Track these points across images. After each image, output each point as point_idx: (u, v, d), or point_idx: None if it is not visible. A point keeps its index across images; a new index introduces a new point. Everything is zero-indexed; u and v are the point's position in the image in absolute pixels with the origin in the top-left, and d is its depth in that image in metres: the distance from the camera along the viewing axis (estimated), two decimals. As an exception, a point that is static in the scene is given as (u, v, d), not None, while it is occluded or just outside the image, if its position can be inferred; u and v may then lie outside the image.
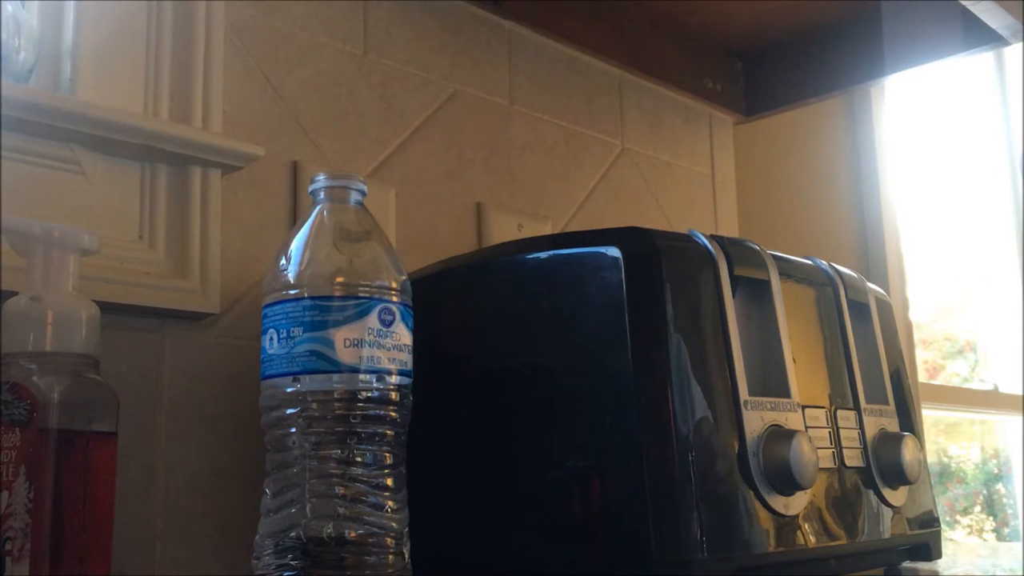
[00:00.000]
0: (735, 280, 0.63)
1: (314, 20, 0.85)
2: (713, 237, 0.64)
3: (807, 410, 0.64)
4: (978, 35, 1.06)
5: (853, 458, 0.67)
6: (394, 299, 0.56)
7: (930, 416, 1.94)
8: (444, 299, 0.71)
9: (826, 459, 0.64)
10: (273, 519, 0.55)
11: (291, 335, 0.55)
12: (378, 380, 0.55)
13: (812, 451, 0.60)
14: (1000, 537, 2.20)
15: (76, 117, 0.66)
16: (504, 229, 0.98)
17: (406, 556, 0.56)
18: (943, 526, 0.76)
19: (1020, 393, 2.10)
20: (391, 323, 0.56)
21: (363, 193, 0.60)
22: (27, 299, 0.51)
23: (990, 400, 2.13)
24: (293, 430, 0.54)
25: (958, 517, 2.16)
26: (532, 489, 0.63)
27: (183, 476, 0.71)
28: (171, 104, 0.73)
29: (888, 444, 0.69)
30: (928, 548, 0.73)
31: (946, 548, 0.75)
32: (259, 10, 0.81)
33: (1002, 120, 2.17)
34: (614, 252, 0.61)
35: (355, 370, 0.54)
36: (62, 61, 0.70)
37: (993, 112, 2.17)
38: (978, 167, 2.10)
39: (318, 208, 0.59)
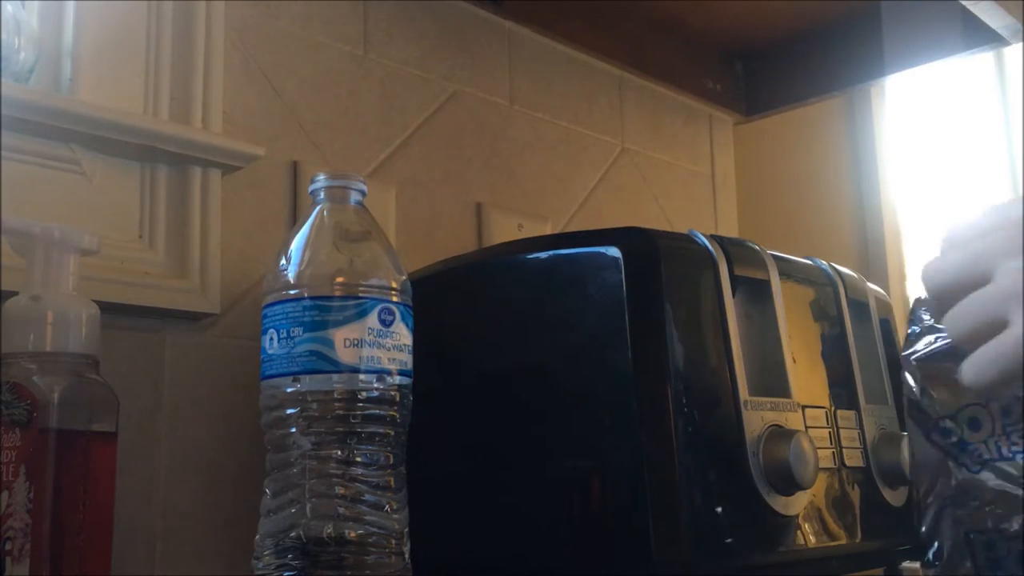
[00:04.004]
0: (735, 280, 0.63)
1: (314, 20, 0.85)
2: (713, 237, 0.64)
3: (807, 410, 0.64)
4: (978, 35, 1.06)
5: (853, 458, 0.67)
6: (394, 299, 0.56)
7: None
8: (444, 299, 0.71)
9: (826, 459, 0.64)
10: (273, 519, 0.55)
11: (291, 335, 0.55)
12: (378, 380, 0.55)
13: (812, 451, 0.60)
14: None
15: (76, 117, 0.66)
16: (504, 229, 0.98)
17: (406, 556, 0.56)
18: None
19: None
20: (391, 323, 0.56)
21: (363, 193, 0.60)
22: (27, 299, 0.51)
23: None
24: (293, 430, 0.54)
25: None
26: (532, 489, 0.63)
27: (183, 476, 0.71)
28: (171, 104, 0.73)
29: (888, 444, 0.69)
30: (928, 548, 0.73)
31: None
32: (259, 10, 0.81)
33: (1002, 120, 2.17)
34: (614, 252, 0.61)
35: (355, 370, 0.54)
36: (62, 61, 0.70)
37: (993, 112, 2.17)
38: (978, 167, 2.10)
39: (318, 208, 0.59)
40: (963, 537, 0.50)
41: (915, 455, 0.53)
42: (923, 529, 0.52)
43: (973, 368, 0.43)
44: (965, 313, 0.43)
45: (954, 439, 0.51)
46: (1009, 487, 0.50)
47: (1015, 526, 0.49)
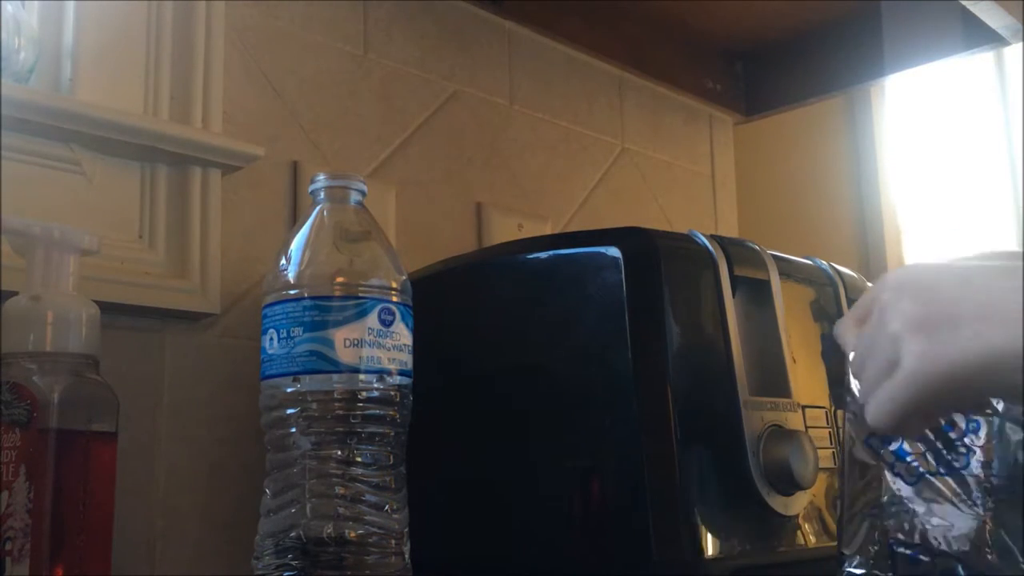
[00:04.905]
0: (735, 280, 0.63)
1: (314, 20, 0.85)
2: (713, 237, 0.64)
3: (807, 410, 0.64)
4: (978, 35, 1.06)
5: (853, 458, 0.67)
6: (394, 299, 0.56)
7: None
8: (444, 299, 0.71)
9: (826, 459, 0.64)
10: (273, 519, 0.55)
11: (291, 335, 0.55)
12: (378, 380, 0.55)
13: (812, 451, 0.60)
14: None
15: (76, 117, 0.66)
16: (504, 229, 0.98)
17: (406, 556, 0.56)
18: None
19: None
20: (391, 323, 0.56)
21: (363, 193, 0.60)
22: (27, 299, 0.51)
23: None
24: (293, 430, 0.54)
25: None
26: (532, 489, 0.63)
27: (183, 476, 0.71)
28: (171, 104, 0.73)
29: (888, 444, 0.69)
30: (928, 548, 0.73)
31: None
32: (259, 10, 0.81)
33: (1002, 120, 2.17)
34: (614, 252, 0.61)
35: (355, 370, 0.54)
36: (62, 61, 0.70)
37: (993, 112, 2.17)
38: (978, 167, 2.10)
39: (318, 208, 0.59)
40: (888, 549, 0.50)
41: (850, 458, 0.52)
42: (846, 535, 0.51)
43: (873, 409, 0.45)
44: (864, 359, 0.46)
45: (893, 448, 0.50)
46: (939, 504, 0.49)
47: (940, 544, 0.49)
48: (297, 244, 0.57)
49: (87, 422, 0.50)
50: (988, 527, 0.49)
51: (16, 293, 0.52)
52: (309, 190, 0.60)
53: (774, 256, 0.67)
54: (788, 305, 0.66)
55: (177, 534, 0.71)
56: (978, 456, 0.49)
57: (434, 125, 0.94)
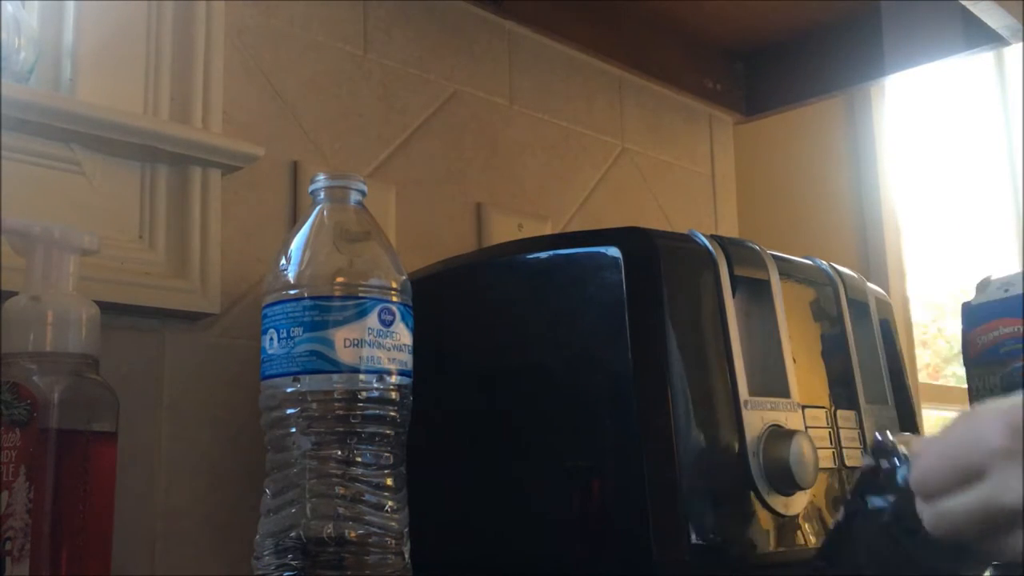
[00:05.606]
0: (735, 280, 0.63)
1: (314, 20, 0.85)
2: (713, 237, 0.64)
3: (807, 410, 0.64)
4: (978, 35, 1.06)
5: (853, 458, 0.67)
6: (394, 299, 0.56)
7: (930, 417, 1.93)
8: (444, 299, 0.71)
9: (826, 459, 0.64)
10: (273, 519, 0.55)
11: (291, 335, 0.55)
12: (378, 380, 0.55)
13: (812, 451, 0.60)
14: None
15: (76, 117, 0.66)
16: (504, 229, 0.98)
17: (406, 556, 0.56)
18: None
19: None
20: (391, 323, 0.56)
21: (363, 193, 0.60)
22: (27, 299, 0.51)
23: (990, 400, 2.11)
24: (293, 430, 0.54)
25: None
26: (532, 489, 0.63)
27: (183, 476, 0.71)
28: (171, 104, 0.73)
29: (888, 444, 0.69)
30: (928, 548, 0.72)
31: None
32: (259, 10, 0.81)
33: (1002, 120, 2.17)
34: (614, 252, 0.61)
35: (355, 370, 0.54)
36: (62, 61, 0.70)
37: (993, 112, 2.17)
38: (978, 167, 2.10)
39: (318, 208, 0.59)
40: None
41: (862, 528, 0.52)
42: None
43: (936, 516, 0.41)
44: (942, 455, 0.41)
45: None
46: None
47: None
48: (297, 244, 0.57)
49: (87, 422, 0.50)
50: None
51: (16, 293, 0.52)
52: (309, 190, 0.60)
53: (774, 256, 0.67)
54: (788, 305, 0.66)
55: (177, 534, 0.71)
56: None
57: (434, 125, 0.94)
